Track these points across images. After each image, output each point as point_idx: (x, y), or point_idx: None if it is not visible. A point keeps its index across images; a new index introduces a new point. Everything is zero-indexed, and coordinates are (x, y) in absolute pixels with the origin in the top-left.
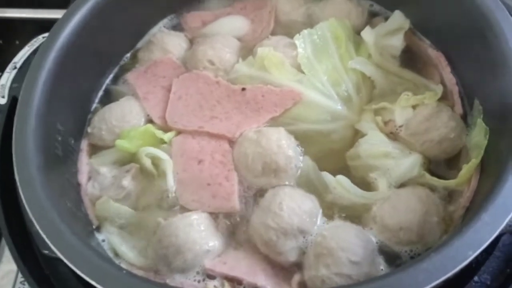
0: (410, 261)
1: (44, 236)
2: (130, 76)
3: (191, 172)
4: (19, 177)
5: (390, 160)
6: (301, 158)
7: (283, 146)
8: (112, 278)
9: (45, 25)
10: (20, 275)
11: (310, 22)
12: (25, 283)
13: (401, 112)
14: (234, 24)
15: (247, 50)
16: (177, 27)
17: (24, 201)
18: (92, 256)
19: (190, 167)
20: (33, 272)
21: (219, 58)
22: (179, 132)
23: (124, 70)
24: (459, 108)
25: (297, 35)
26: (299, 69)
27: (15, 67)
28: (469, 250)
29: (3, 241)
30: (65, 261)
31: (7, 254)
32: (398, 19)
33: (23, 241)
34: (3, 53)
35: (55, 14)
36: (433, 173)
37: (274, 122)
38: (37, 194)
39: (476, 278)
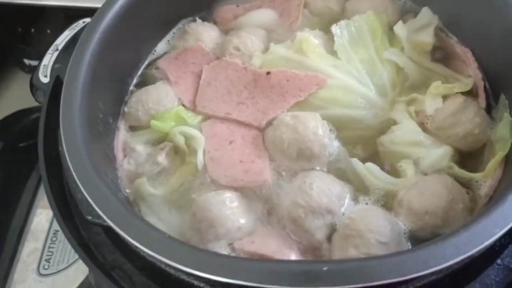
0: (439, 237)
1: (90, 200)
2: (161, 62)
3: (223, 151)
4: (67, 147)
5: (421, 149)
6: (334, 144)
7: (319, 134)
8: (155, 240)
9: (77, 14)
10: (45, 252)
11: (344, 15)
12: (50, 260)
13: (431, 101)
14: (262, 17)
15: (275, 41)
16: (208, 20)
17: (71, 168)
18: (136, 220)
19: (222, 147)
20: (75, 239)
21: (245, 44)
22: (208, 117)
23: (158, 56)
24: (482, 102)
25: (334, 25)
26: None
27: (57, 49)
28: (496, 227)
29: (29, 220)
30: (111, 224)
31: (32, 232)
32: (427, 15)
33: (65, 211)
34: (36, 41)
35: (87, 3)
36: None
37: (307, 105)
38: (84, 162)
39: (499, 261)
